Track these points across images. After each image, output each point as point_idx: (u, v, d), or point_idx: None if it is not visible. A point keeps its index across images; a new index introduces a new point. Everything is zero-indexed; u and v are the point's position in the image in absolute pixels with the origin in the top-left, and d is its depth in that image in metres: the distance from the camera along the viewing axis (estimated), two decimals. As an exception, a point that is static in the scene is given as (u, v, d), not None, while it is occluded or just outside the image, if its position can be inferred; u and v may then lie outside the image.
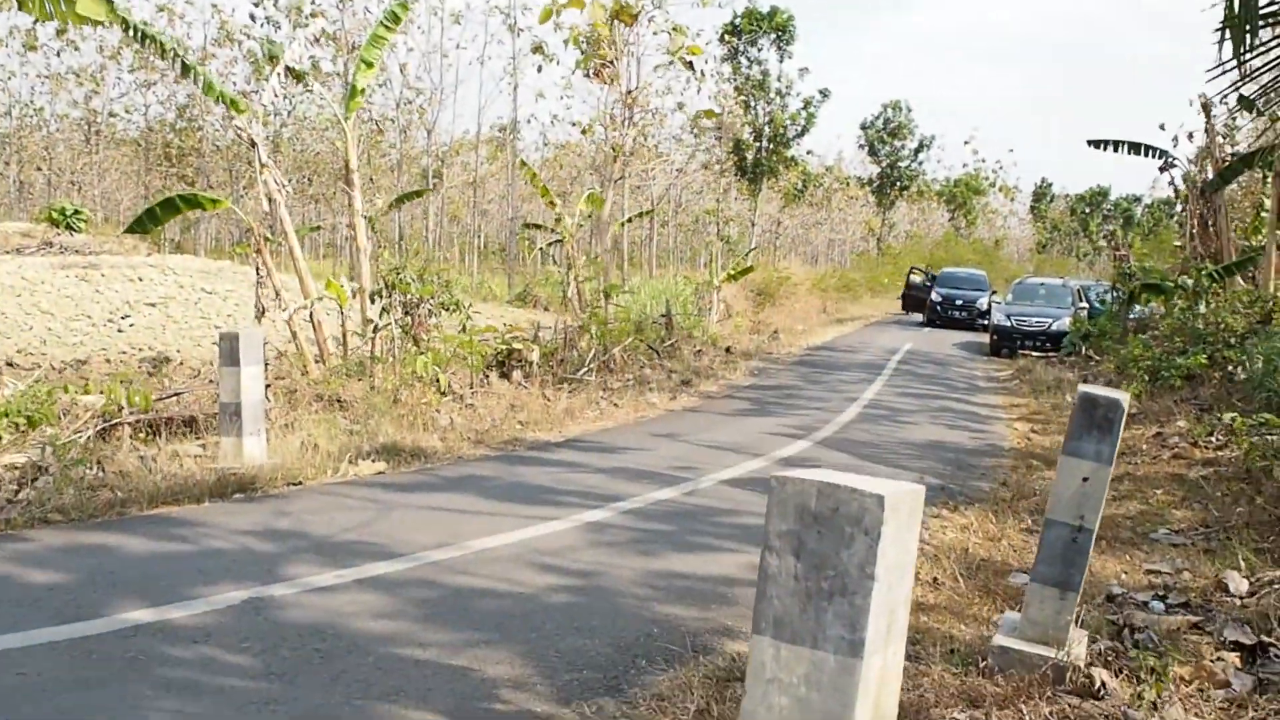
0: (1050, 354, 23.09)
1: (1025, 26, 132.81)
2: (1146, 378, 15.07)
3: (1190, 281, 16.72)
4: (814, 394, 16.27)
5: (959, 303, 33.24)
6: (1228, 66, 7.10)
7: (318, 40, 31.77)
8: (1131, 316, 20.71)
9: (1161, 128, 24.26)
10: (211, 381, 11.41)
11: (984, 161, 78.59)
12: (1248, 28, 6.82)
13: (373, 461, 9.33)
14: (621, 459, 10.08)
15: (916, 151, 63.32)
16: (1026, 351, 24.31)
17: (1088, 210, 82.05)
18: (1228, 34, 6.83)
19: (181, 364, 17.27)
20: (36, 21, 43.55)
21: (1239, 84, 7.80)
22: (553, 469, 9.48)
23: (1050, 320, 24.82)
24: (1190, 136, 23.70)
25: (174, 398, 11.19)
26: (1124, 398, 4.44)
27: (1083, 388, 4.45)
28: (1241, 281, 17.62)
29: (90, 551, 6.42)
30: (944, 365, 21.99)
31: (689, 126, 42.84)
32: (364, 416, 10.93)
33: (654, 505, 8.15)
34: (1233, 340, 14.30)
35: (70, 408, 10.46)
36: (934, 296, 33.71)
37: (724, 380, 17.61)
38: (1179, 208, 26.36)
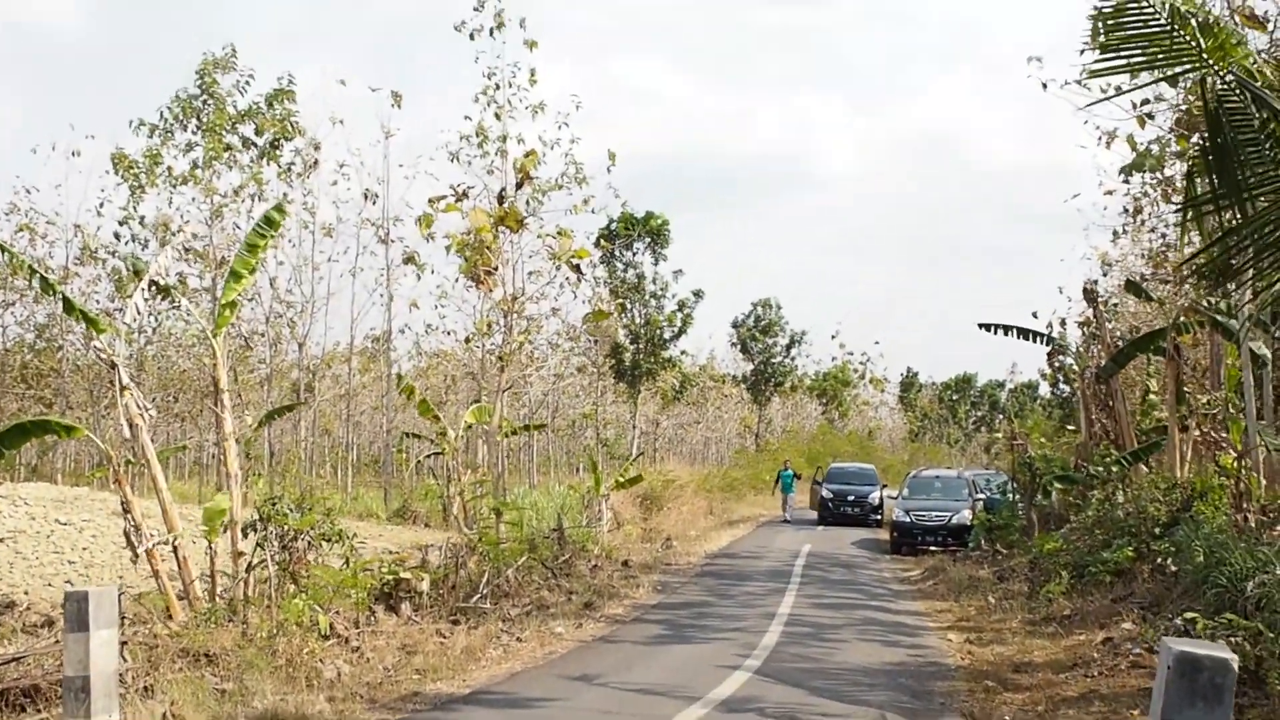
0: (954, 550, 22.55)
1: (880, 222, 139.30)
2: (1067, 574, 14.50)
3: (1100, 470, 16.42)
4: (727, 610, 15.26)
5: (850, 498, 32.82)
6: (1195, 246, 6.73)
7: (185, 253, 30.76)
8: (1036, 507, 20.39)
9: (1035, 315, 24.67)
10: (58, 641, 9.91)
11: (851, 354, 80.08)
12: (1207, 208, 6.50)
13: (249, 740, 7.98)
14: (538, 715, 8.88)
15: (788, 347, 64.30)
16: (928, 548, 23.75)
17: (955, 397, 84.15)
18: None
19: (29, 609, 15.52)
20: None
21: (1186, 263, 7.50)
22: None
23: (950, 514, 24.42)
24: (1064, 323, 24.14)
25: (12, 663, 9.65)
26: (1232, 658, 3.60)
27: (1175, 645, 3.60)
28: (1144, 468, 17.44)
29: None
30: (851, 568, 21.25)
31: (564, 331, 42.66)
32: (236, 672, 9.55)
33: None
34: (1157, 530, 13.86)
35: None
36: (824, 493, 33.25)
37: (629, 599, 16.51)
38: (1067, 391, 26.64)
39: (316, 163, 35.82)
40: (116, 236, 37.70)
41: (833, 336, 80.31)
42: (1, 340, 44.92)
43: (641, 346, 41.24)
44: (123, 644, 8.99)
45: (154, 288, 13.79)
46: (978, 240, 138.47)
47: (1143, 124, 15.95)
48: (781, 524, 33.73)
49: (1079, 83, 15.74)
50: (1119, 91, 13.27)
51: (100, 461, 38.21)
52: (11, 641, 10.95)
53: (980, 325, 20.76)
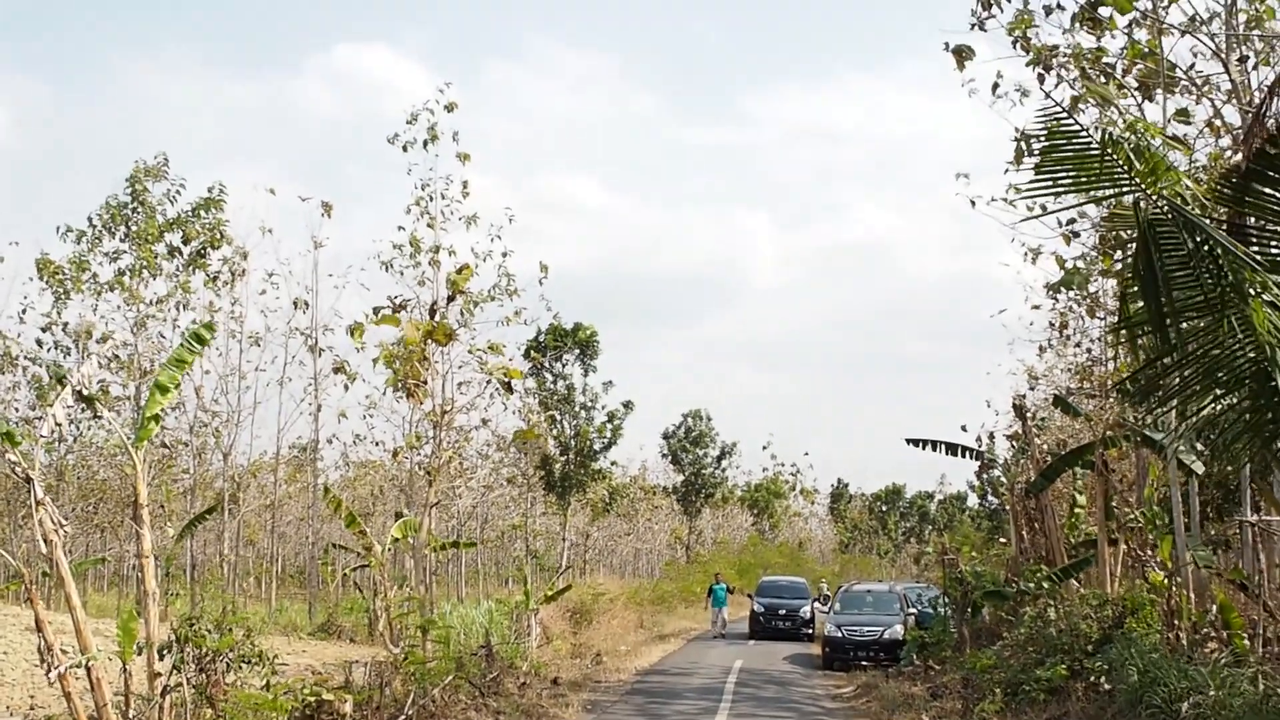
0: (886, 665, 22.44)
1: (807, 335, 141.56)
2: (1001, 692, 14.47)
3: (1031, 585, 16.53)
4: (659, 732, 14.99)
5: (782, 612, 32.65)
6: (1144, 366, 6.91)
7: (109, 362, 30.29)
8: (968, 622, 20.42)
9: (964, 429, 25.02)
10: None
11: (782, 465, 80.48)
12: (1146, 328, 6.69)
13: None
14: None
15: (719, 458, 64.47)
16: (860, 663, 23.62)
17: (885, 508, 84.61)
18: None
19: (-72, 739, 14.86)
20: None
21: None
22: None
23: (882, 629, 24.36)
24: (991, 437, 24.49)
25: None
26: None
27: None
28: (1075, 583, 17.59)
29: None
30: (784, 685, 21.03)
31: (494, 443, 42.41)
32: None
33: None
34: (1090, 648, 13.92)
35: None
36: (755, 607, 33.02)
37: (558, 720, 16.16)
38: (996, 503, 26.79)
39: (244, 271, 35.63)
40: (39, 344, 37.04)
41: (764, 447, 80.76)
42: (-89, 448, 43.62)
43: (571, 458, 41.08)
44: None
45: (76, 397, 13.51)
46: (905, 352, 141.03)
47: (1068, 241, 16.43)
48: (714, 639, 33.40)
49: (1005, 200, 16.28)
50: (1045, 211, 13.74)
51: (13, 575, 36.98)
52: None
53: (908, 440, 21.00)
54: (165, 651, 11.22)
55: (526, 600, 23.50)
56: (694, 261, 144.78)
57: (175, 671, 10.91)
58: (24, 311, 43.20)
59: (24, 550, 28.58)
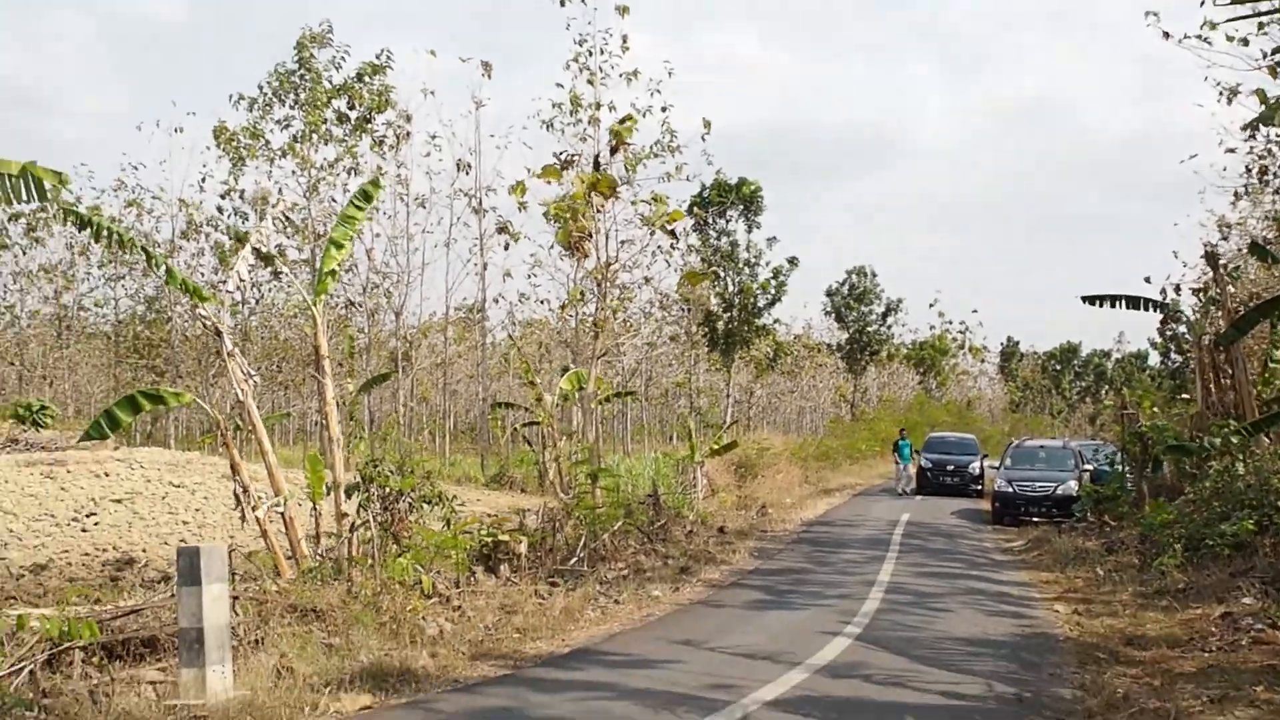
0: (1058, 520, 22.02)
1: (977, 192, 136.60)
2: (1181, 547, 14.03)
3: (1218, 441, 15.82)
4: (826, 577, 15.10)
5: (950, 468, 32.25)
6: None
7: (285, 225, 31.27)
8: (1147, 479, 19.79)
9: (1147, 280, 23.75)
10: (174, 595, 10.16)
11: (950, 323, 78.74)
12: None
13: (356, 693, 8.06)
14: (642, 677, 8.83)
15: (884, 315, 63.34)
16: (1031, 519, 23.25)
17: (1058, 367, 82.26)
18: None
19: (147, 565, 16.02)
20: (11, 219, 43.20)
21: None
22: (565, 695, 8.21)
23: (1055, 485, 23.85)
24: (1177, 289, 23.28)
25: (131, 614, 9.90)
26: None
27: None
28: (1266, 439, 16.76)
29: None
30: (951, 538, 20.89)
31: (657, 300, 42.54)
32: (343, 628, 9.69)
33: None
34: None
35: (16, 630, 9.22)
36: (922, 463, 32.68)
37: (725, 565, 16.43)
38: (1179, 361, 25.58)
39: (409, 135, 36.16)
40: (219, 210, 38.55)
41: (931, 305, 79.15)
42: (115, 313, 46.44)
43: (735, 314, 40.93)
44: (234, 599, 9.17)
45: (256, 255, 13.94)
46: (1082, 210, 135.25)
47: (1275, 73, 15.27)
48: (879, 493, 33.34)
49: (1199, 37, 15.16)
50: (1246, 43, 12.80)
51: (209, 428, 39.24)
52: (131, 595, 11.25)
53: (1085, 298, 20.02)
54: (351, 492, 11.72)
55: (692, 453, 23.78)
56: (857, 118, 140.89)
57: (361, 510, 11.39)
58: (204, 180, 44.70)
59: (217, 404, 30.11)
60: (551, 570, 13.75)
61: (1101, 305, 19.81)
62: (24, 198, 7.61)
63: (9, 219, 44.82)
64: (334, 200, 35.80)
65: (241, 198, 37.46)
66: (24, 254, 46.01)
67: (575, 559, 14.33)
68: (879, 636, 10.70)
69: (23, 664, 8.37)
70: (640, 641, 10.51)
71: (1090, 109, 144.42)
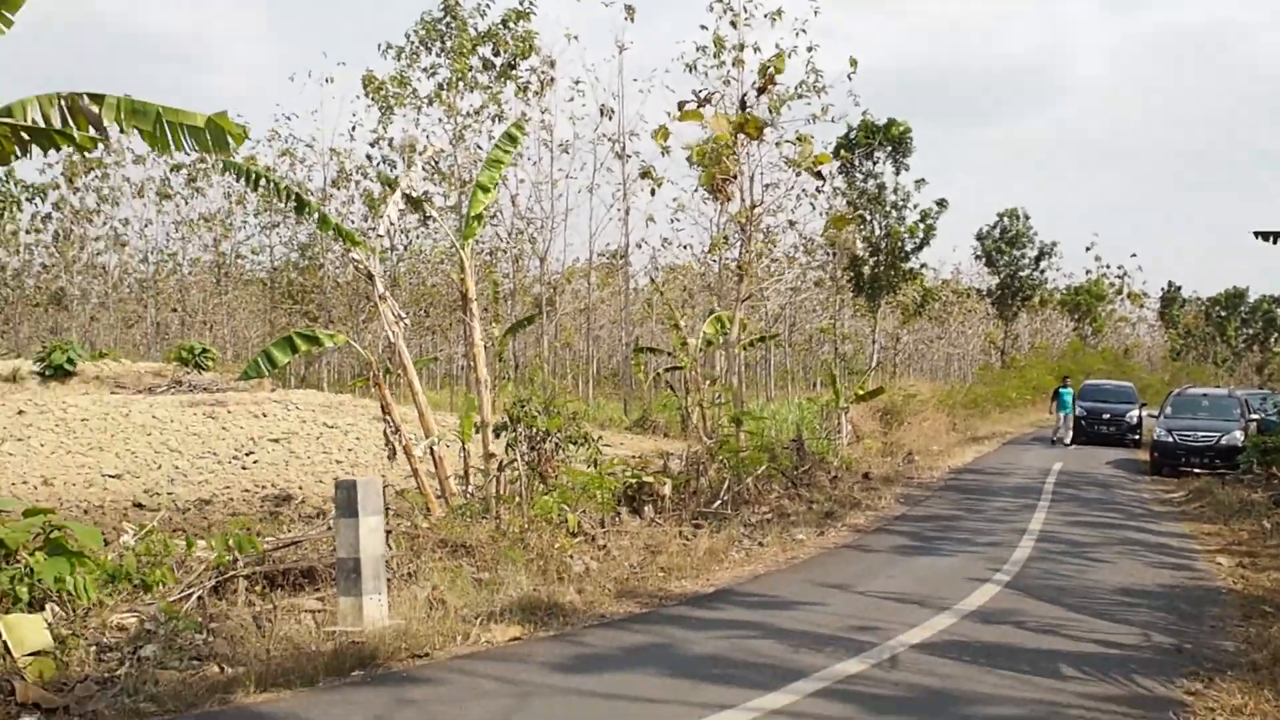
0: (1221, 471, 21.13)
1: (1138, 131, 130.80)
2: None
3: None
4: (975, 524, 14.81)
5: (1106, 416, 31.20)
6: None
7: (434, 168, 31.84)
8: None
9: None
10: (330, 528, 10.54)
11: (1107, 268, 75.90)
12: None
13: (506, 625, 8.23)
14: (786, 617, 8.81)
15: (1037, 260, 61.31)
16: (1192, 469, 22.37)
17: (1223, 314, 78.65)
18: None
19: (303, 502, 16.67)
20: (173, 169, 44.88)
21: None
22: (711, 633, 8.24)
23: (1219, 434, 22.88)
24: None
25: (291, 546, 10.31)
26: None
27: None
28: None
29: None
30: (1106, 487, 20.25)
31: (801, 245, 42.04)
32: (491, 564, 9.90)
33: (844, 686, 6.82)
34: None
35: (185, 559, 9.70)
36: (1077, 411, 31.67)
37: (871, 510, 16.25)
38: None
39: (552, 80, 36.33)
40: (368, 158, 39.42)
41: (1087, 249, 76.71)
42: (270, 260, 48.11)
43: (881, 259, 40.15)
44: (387, 533, 9.45)
45: (405, 201, 14.18)
46: (1255, 146, 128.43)
47: None
48: (1030, 442, 32.52)
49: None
50: None
51: (361, 371, 40.44)
52: (290, 529, 11.69)
53: (1259, 234, 19.00)
54: (499, 432, 11.92)
55: (836, 399, 23.52)
56: (1010, 54, 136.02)
57: (509, 449, 11.58)
58: (353, 129, 45.73)
59: (369, 345, 30.92)
60: (695, 512, 13.79)
61: (1275, 241, 18.75)
62: (209, 148, 7.87)
63: (171, 170, 46.75)
64: (479, 147, 36.30)
65: (390, 146, 38.26)
66: (185, 203, 47.99)
67: (719, 502, 14.34)
68: (1030, 584, 10.45)
69: (192, 590, 8.79)
70: (784, 583, 10.49)
71: (1263, 37, 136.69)
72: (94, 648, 7.35)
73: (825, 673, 7.02)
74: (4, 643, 6.82)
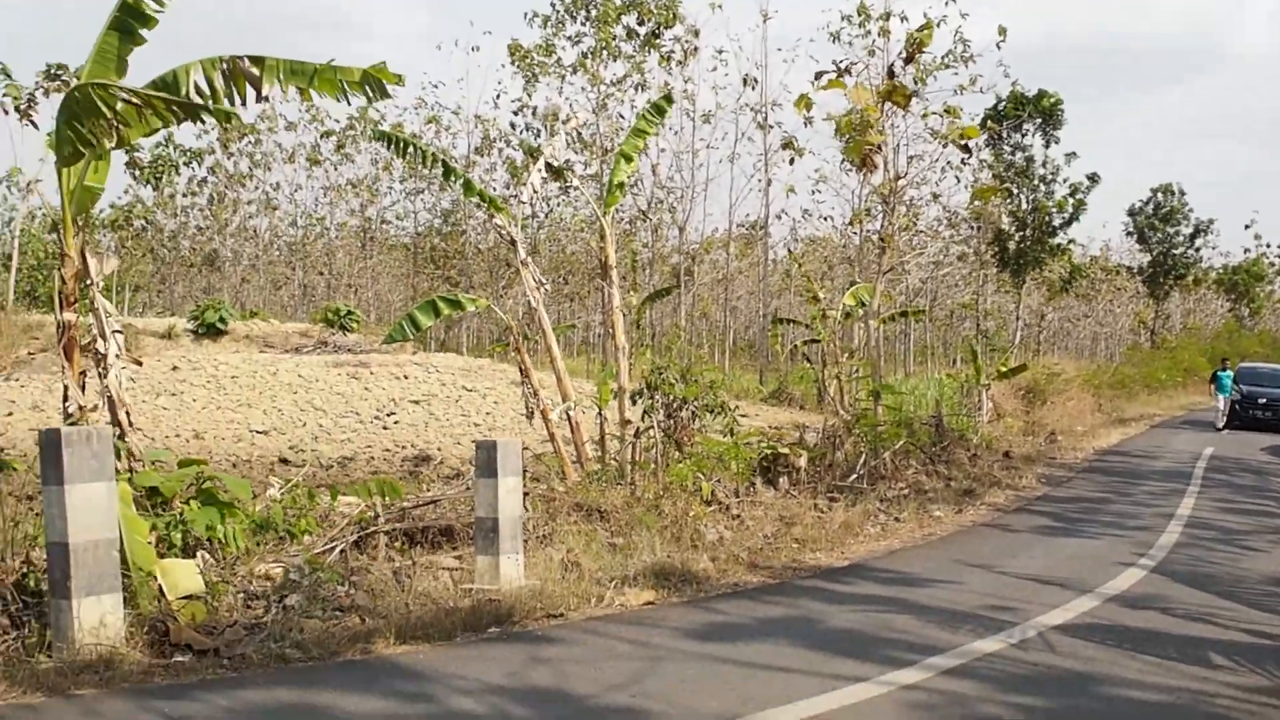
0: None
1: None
2: None
3: None
4: (1120, 508, 14.35)
5: (1262, 401, 29.89)
6: None
7: (576, 136, 32.07)
8: None
9: None
10: (469, 488, 10.77)
11: (1268, 246, 72.48)
12: None
13: (640, 589, 8.30)
14: (921, 593, 8.68)
15: (1192, 237, 58.92)
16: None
17: (1399, 296, 74.43)
18: None
19: (442, 463, 17.09)
20: (323, 136, 46.14)
21: None
22: (844, 606, 8.17)
23: (1386, 422, 21.74)
24: None
25: (430, 504, 10.56)
26: None
27: None
28: None
29: (322, 717, 5.55)
30: (1262, 474, 19.41)
31: (945, 219, 41.17)
32: (625, 529, 9.98)
33: (979, 663, 6.69)
34: None
35: (329, 513, 10.02)
36: (1232, 395, 30.38)
37: (1011, 490, 15.88)
38: None
39: (695, 50, 36.23)
40: (512, 126, 39.95)
41: (1246, 226, 73.39)
42: (414, 225, 49.20)
43: (1028, 234, 39.10)
44: (524, 495, 9.60)
45: (548, 169, 14.30)
46: None
47: None
48: (1180, 425, 31.35)
49: None
50: None
51: (500, 336, 41.19)
52: (429, 488, 11.98)
53: None
54: (636, 399, 11.98)
55: (977, 375, 23.03)
56: (1165, 23, 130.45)
57: (646, 416, 11.63)
58: (498, 97, 46.27)
59: (510, 312, 31.41)
60: (830, 486, 13.67)
61: None
62: (369, 98, 8.15)
63: (321, 136, 48.13)
64: (621, 116, 36.47)
65: (533, 114, 38.71)
66: (334, 169, 49.41)
67: (855, 476, 14.18)
68: (1177, 570, 10.08)
69: (334, 544, 9.08)
70: (921, 559, 10.33)
71: None
72: (241, 595, 7.63)
73: (961, 650, 6.90)
74: (159, 586, 7.14)
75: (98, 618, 6.37)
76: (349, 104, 8.31)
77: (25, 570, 7.29)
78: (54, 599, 6.45)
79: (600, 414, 12.78)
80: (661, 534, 9.92)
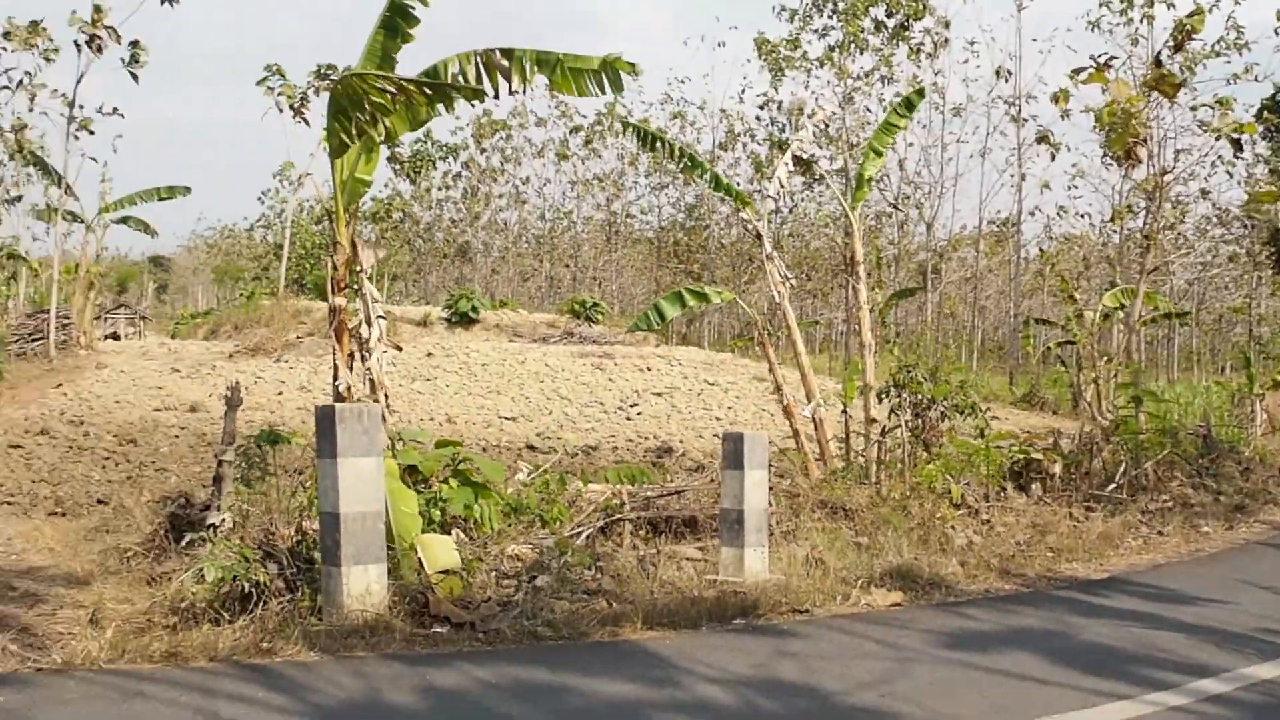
0: None
1: None
2: None
3: None
4: None
5: None
6: None
7: (824, 130, 31.80)
8: None
9: None
10: (713, 480, 10.82)
11: None
12: None
13: (887, 590, 8.13)
14: (1188, 611, 8.14)
15: None
16: None
17: None
18: None
19: (684, 455, 17.22)
20: (571, 131, 47.51)
21: None
22: (1102, 620, 7.75)
23: None
24: None
25: (674, 495, 10.67)
26: None
27: None
28: None
29: (574, 695, 5.67)
30: None
31: (1214, 217, 38.77)
32: (870, 529, 9.81)
33: (1257, 691, 6.19)
34: None
35: (576, 499, 10.27)
36: None
37: (1290, 507, 14.75)
38: None
39: (946, 41, 35.31)
40: (757, 120, 39.92)
41: None
42: (657, 220, 49.92)
43: (1311, 234, 36.28)
44: (769, 489, 9.56)
45: (795, 162, 14.22)
46: None
47: None
48: None
49: None
50: None
51: (741, 331, 41.28)
52: (672, 479, 12.09)
53: None
54: (883, 396, 11.75)
55: (1250, 384, 21.53)
56: None
57: (892, 415, 11.40)
58: (743, 92, 46.34)
59: (754, 304, 31.49)
60: (1087, 495, 13.03)
61: None
62: (605, 90, 8.26)
63: (570, 132, 49.45)
64: (868, 110, 35.92)
65: (778, 108, 38.60)
66: (581, 164, 50.68)
67: (1113, 485, 13.47)
68: None
69: (581, 529, 9.30)
70: (1187, 576, 9.70)
71: None
72: (494, 573, 7.90)
73: (1233, 674, 6.42)
74: (419, 559, 7.47)
75: (364, 586, 6.72)
76: (592, 94, 8.42)
77: (299, 538, 7.77)
78: (325, 566, 6.84)
79: (845, 411, 12.61)
80: (908, 535, 9.69)
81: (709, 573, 8.36)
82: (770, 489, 9.73)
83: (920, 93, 14.85)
